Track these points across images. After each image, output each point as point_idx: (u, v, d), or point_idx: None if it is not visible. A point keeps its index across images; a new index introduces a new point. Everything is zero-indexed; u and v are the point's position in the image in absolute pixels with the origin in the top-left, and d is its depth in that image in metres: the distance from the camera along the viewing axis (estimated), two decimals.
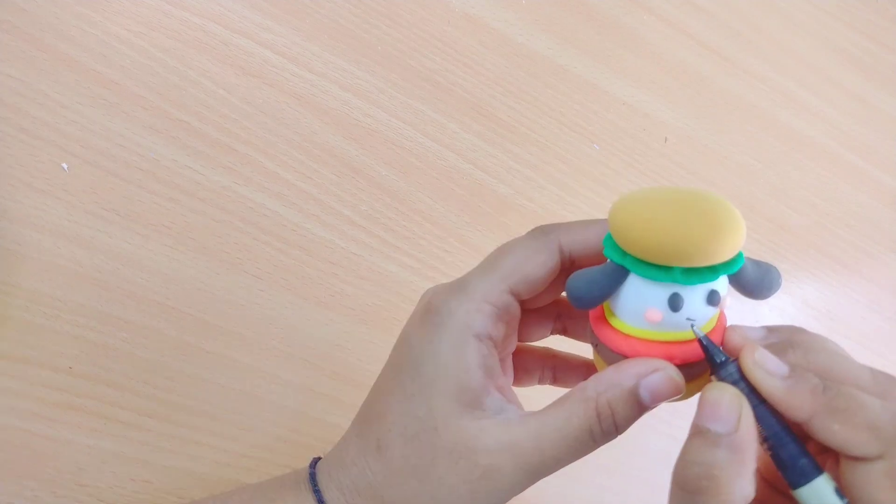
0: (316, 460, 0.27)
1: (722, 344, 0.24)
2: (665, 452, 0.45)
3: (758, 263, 0.24)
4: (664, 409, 0.23)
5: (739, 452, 0.21)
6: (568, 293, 0.24)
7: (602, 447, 0.24)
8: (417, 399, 0.24)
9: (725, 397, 0.21)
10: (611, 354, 0.24)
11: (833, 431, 0.21)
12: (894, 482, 0.20)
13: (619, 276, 0.23)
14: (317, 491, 0.26)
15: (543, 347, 0.31)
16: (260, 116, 0.40)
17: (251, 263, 0.38)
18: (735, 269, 0.23)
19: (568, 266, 0.26)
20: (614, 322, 0.24)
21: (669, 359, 0.23)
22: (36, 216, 0.35)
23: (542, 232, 0.26)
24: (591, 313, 0.26)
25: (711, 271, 0.22)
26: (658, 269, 0.22)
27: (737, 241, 0.21)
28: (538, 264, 0.25)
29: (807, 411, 0.21)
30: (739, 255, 0.23)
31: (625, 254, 0.23)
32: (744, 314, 0.50)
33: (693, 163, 0.51)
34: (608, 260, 0.23)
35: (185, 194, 0.38)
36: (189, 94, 0.39)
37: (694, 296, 0.22)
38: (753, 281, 0.23)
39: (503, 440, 0.23)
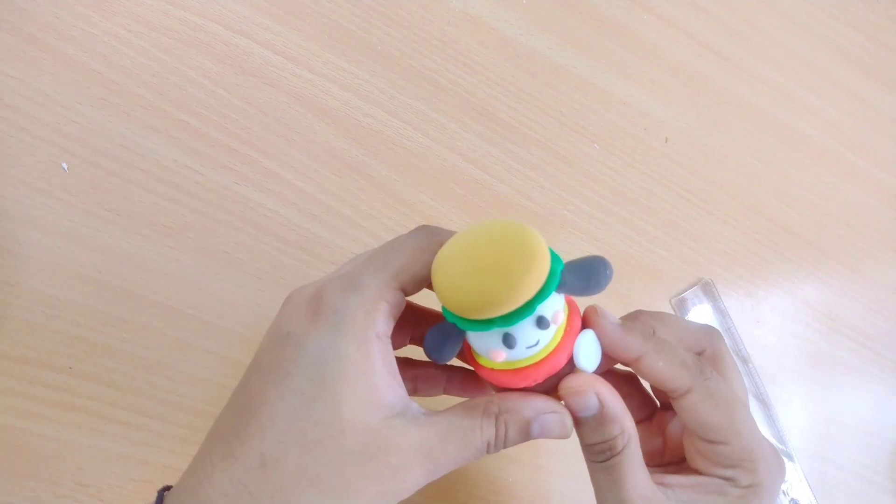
0: (162, 491, 0.24)
1: (583, 322, 0.26)
2: None
3: (579, 266, 0.24)
4: None
5: (614, 421, 0.25)
6: (426, 351, 0.25)
7: None
8: (319, 403, 0.23)
9: (578, 383, 0.25)
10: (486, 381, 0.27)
11: (658, 367, 0.26)
12: (711, 402, 0.26)
13: (457, 332, 0.25)
14: None
15: (404, 357, 0.31)
16: (260, 116, 0.40)
17: (251, 263, 0.38)
18: (548, 294, 0.23)
19: None
20: (477, 357, 0.26)
21: (534, 379, 0.25)
22: (36, 216, 0.35)
23: (427, 233, 0.26)
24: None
25: (527, 307, 0.23)
26: (479, 323, 0.23)
27: (532, 283, 0.22)
28: (425, 265, 0.25)
29: (638, 351, 0.26)
30: (550, 278, 0.23)
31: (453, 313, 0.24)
32: (744, 315, 0.50)
33: (693, 163, 0.51)
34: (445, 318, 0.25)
35: (185, 194, 0.38)
36: (189, 94, 0.39)
37: (524, 329, 0.24)
38: (577, 289, 0.24)
39: (414, 439, 0.23)
